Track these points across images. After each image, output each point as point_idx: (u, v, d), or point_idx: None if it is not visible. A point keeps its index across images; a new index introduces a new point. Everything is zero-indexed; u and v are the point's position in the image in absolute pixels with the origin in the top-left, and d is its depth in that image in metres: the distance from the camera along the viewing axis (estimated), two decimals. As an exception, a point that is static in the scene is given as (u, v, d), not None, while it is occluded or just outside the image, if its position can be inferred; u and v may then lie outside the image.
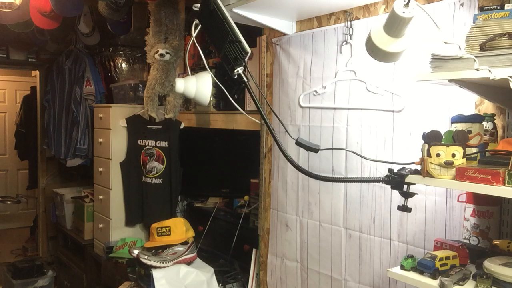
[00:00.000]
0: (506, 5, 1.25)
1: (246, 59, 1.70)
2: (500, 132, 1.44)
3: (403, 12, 1.33)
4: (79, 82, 3.90)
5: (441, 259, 1.29)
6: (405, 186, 1.39)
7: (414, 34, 1.49)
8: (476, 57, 1.16)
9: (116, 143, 3.16)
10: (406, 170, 1.37)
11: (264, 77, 2.35)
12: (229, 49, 1.71)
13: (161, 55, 2.88)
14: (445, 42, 1.38)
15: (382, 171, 1.76)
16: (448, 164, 1.22)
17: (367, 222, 1.84)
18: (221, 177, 3.16)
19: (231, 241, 2.67)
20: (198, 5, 1.85)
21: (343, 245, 1.93)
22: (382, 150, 1.77)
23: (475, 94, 1.38)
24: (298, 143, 1.68)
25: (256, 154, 2.43)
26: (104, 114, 3.24)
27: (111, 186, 3.16)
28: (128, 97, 3.47)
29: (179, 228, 2.64)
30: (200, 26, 1.89)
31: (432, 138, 1.27)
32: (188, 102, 3.12)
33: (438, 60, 1.25)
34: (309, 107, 2.08)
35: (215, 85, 2.55)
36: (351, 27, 1.87)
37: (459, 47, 1.28)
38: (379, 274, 1.80)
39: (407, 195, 1.41)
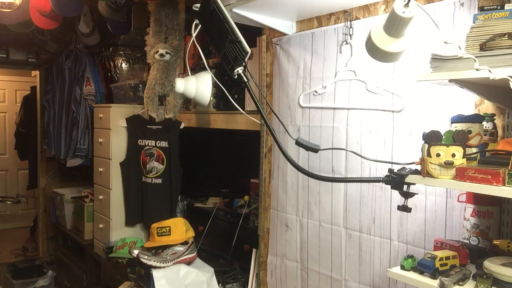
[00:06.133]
0: (506, 5, 1.25)
1: (246, 59, 1.70)
2: (500, 132, 1.44)
3: (403, 12, 1.33)
4: (79, 82, 3.90)
5: (441, 259, 1.29)
6: (405, 186, 1.39)
7: (414, 34, 1.49)
8: (476, 57, 1.16)
9: (116, 143, 3.16)
10: (406, 170, 1.37)
11: (264, 77, 2.35)
12: (229, 49, 1.71)
13: (161, 55, 2.88)
14: (445, 42, 1.38)
15: (382, 171, 1.76)
16: (448, 164, 1.22)
17: (367, 222, 1.84)
18: (221, 177, 3.16)
19: (231, 241, 2.67)
20: (198, 5, 1.85)
21: (343, 245, 1.93)
22: (382, 150, 1.77)
23: (475, 94, 1.38)
24: (298, 143, 1.67)
25: (256, 154, 2.43)
26: (104, 114, 3.24)
27: (111, 186, 3.16)
28: (128, 97, 3.47)
29: (179, 228, 2.64)
30: (200, 26, 1.89)
31: (432, 138, 1.27)
32: (188, 102, 3.11)
33: (438, 60, 1.25)
34: (309, 107, 2.08)
35: (215, 85, 2.56)
36: (351, 27, 1.87)
37: (459, 47, 1.28)
38: (379, 274, 1.80)
39: (407, 195, 1.41)
